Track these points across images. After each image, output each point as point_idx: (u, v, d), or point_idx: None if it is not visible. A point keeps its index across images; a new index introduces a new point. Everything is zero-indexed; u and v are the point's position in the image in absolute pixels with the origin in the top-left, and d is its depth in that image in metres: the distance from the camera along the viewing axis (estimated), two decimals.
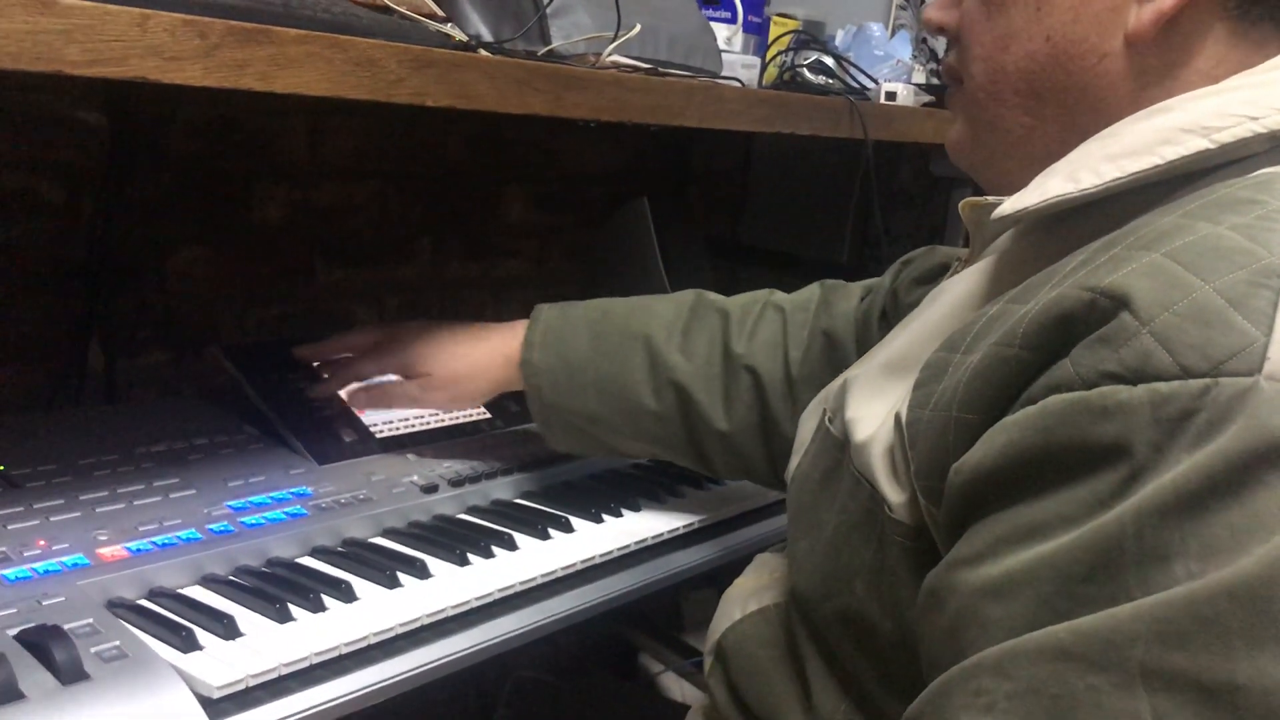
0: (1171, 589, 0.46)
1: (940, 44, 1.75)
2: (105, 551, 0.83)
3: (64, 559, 0.81)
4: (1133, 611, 0.46)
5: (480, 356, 1.08)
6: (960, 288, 0.73)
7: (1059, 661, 0.47)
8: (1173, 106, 0.62)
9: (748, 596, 0.84)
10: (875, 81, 1.55)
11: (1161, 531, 0.46)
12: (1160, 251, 0.52)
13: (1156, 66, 0.64)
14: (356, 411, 1.13)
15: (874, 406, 0.70)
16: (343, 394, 1.13)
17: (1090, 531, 0.48)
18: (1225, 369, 0.47)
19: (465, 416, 1.21)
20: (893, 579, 0.65)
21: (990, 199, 0.71)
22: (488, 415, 1.23)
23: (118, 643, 0.72)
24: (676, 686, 1.59)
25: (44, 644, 0.69)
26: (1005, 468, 0.53)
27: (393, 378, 1.10)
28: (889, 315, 1.01)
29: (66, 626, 0.72)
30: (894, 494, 0.65)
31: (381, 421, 1.13)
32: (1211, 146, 0.59)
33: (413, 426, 1.15)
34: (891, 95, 1.51)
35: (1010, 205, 0.65)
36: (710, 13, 1.49)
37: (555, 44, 1.15)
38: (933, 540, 0.62)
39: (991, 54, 0.69)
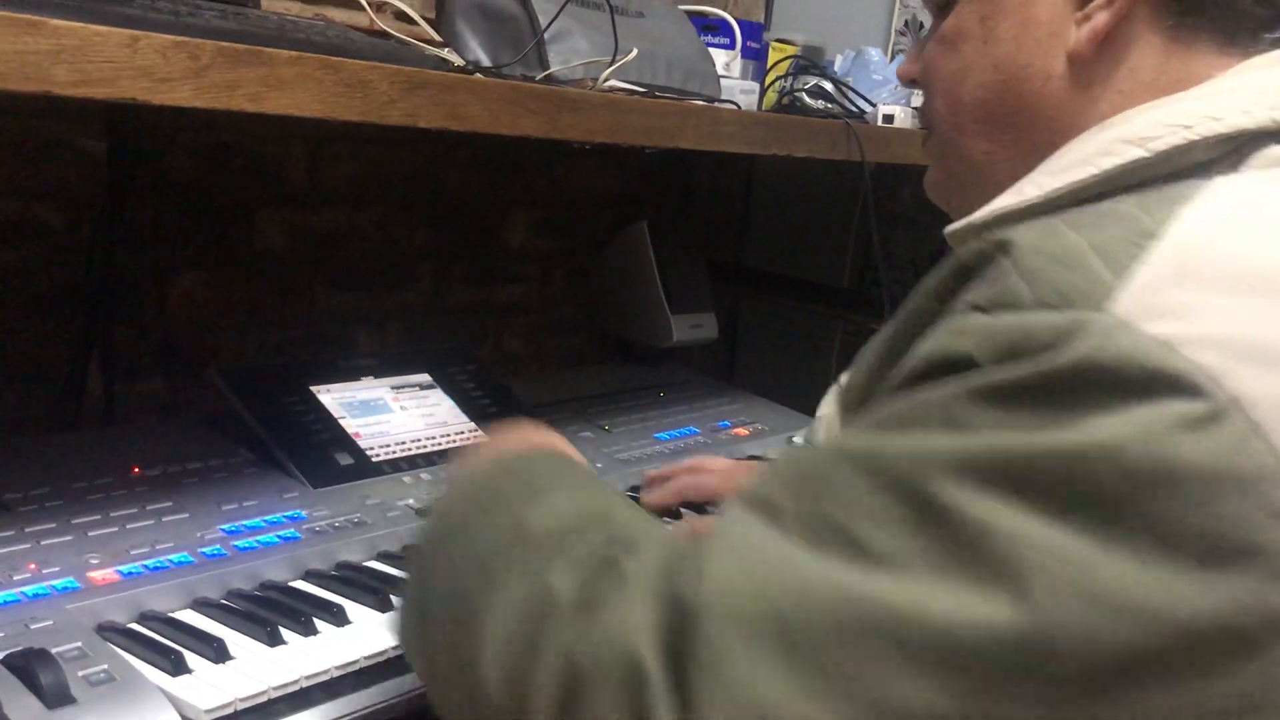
0: (963, 438, 0.51)
1: None
2: (96, 575, 0.83)
3: (54, 582, 0.81)
4: (908, 441, 0.52)
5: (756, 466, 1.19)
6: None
7: (828, 462, 0.54)
8: (1117, 122, 0.64)
9: None
10: (874, 105, 1.55)
11: (968, 408, 0.52)
12: (1058, 217, 0.57)
13: (1099, 82, 0.67)
14: (352, 435, 1.12)
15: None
16: None
17: (914, 401, 0.54)
18: (1073, 304, 0.51)
19: (462, 439, 1.20)
20: None
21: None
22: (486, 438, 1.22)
23: (106, 666, 0.72)
24: None
25: (30, 668, 0.69)
26: (885, 386, 0.59)
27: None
28: None
29: (54, 650, 0.72)
30: None
31: (377, 445, 1.13)
32: (1147, 155, 0.60)
33: (408, 450, 1.15)
34: (889, 118, 1.51)
35: (961, 221, 0.68)
36: (709, 38, 1.50)
37: (553, 69, 1.16)
38: None
39: (949, 89, 0.73)
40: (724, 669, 0.50)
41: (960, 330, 0.54)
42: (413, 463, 1.13)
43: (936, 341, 0.55)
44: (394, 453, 1.13)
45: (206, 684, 0.74)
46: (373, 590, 0.89)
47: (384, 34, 1.13)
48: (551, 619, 0.55)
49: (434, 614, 0.64)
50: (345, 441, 1.11)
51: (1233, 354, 0.50)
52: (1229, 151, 0.60)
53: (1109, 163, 0.61)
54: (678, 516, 1.14)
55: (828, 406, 0.83)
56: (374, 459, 1.11)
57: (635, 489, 1.20)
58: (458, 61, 1.08)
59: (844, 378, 0.78)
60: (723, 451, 1.35)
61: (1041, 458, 0.49)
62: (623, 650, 0.52)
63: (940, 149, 0.75)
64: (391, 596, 0.88)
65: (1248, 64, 0.65)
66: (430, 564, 0.67)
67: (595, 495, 0.66)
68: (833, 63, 1.71)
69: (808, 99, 1.53)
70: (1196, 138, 0.60)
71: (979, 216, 0.66)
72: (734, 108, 1.31)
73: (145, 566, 0.85)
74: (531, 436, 0.81)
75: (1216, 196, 0.57)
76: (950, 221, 0.73)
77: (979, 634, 0.48)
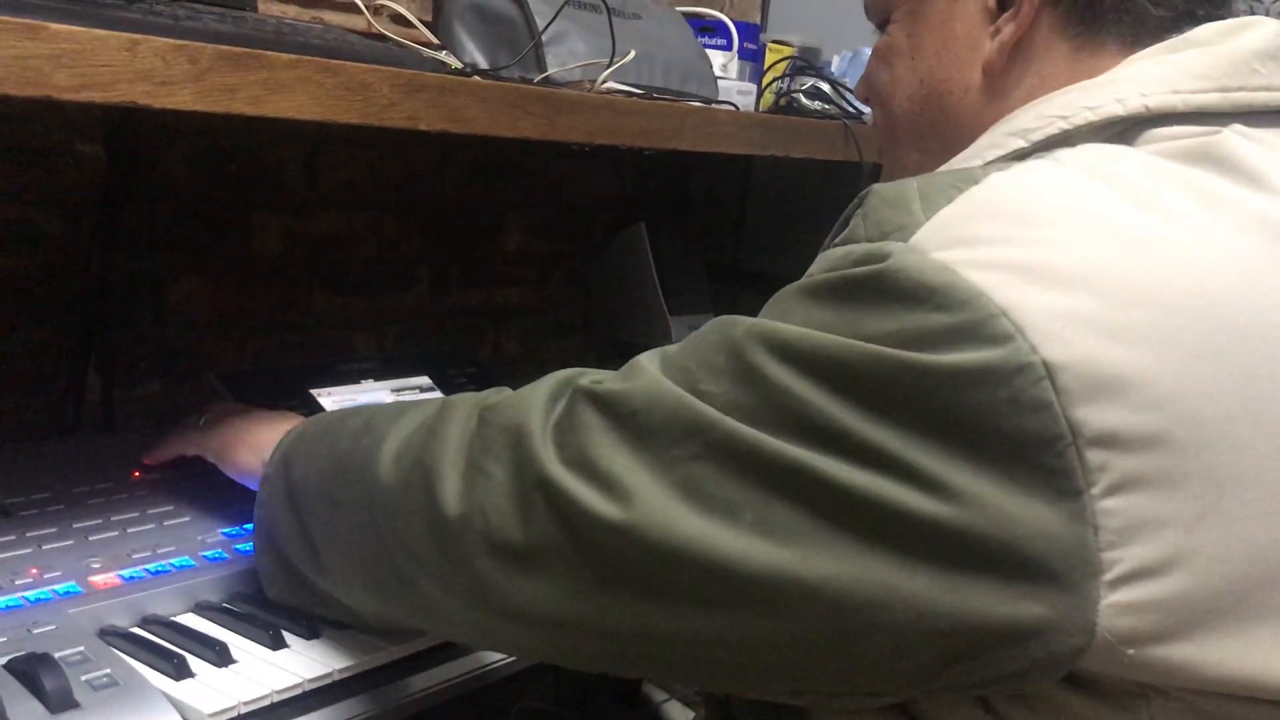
0: (769, 319, 0.61)
1: None
2: (98, 579, 0.83)
3: (56, 587, 0.81)
4: (751, 320, 0.62)
5: None
6: None
7: (707, 329, 0.64)
8: (1009, 119, 0.69)
9: None
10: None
11: (789, 302, 0.62)
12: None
13: (1012, 90, 0.72)
14: None
15: None
16: None
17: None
18: (888, 237, 0.59)
19: None
20: None
21: None
22: None
23: (109, 670, 0.72)
24: (680, 714, 1.58)
25: (33, 672, 0.68)
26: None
27: None
28: None
29: (57, 655, 0.72)
30: None
31: None
32: (1026, 145, 0.66)
33: None
34: None
35: None
36: (706, 40, 1.50)
37: (551, 71, 1.16)
38: None
39: (885, 103, 0.80)
40: (578, 423, 0.63)
41: (817, 260, 0.64)
42: None
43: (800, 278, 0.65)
44: None
45: (209, 687, 0.74)
46: None
47: (381, 37, 1.13)
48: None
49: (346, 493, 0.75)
50: None
51: (1009, 273, 0.56)
52: (1109, 138, 0.64)
53: (994, 154, 0.67)
54: None
55: None
56: None
57: None
58: (455, 64, 1.09)
59: None
60: None
61: (824, 343, 0.58)
62: (515, 423, 0.66)
63: (885, 159, 0.83)
64: None
65: (1134, 57, 0.68)
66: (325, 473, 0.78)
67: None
68: (829, 63, 1.72)
69: (805, 100, 1.54)
70: (1071, 127, 0.65)
71: None
72: (731, 109, 1.31)
73: (147, 570, 0.85)
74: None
75: (1053, 159, 0.63)
76: None
77: (757, 450, 0.58)
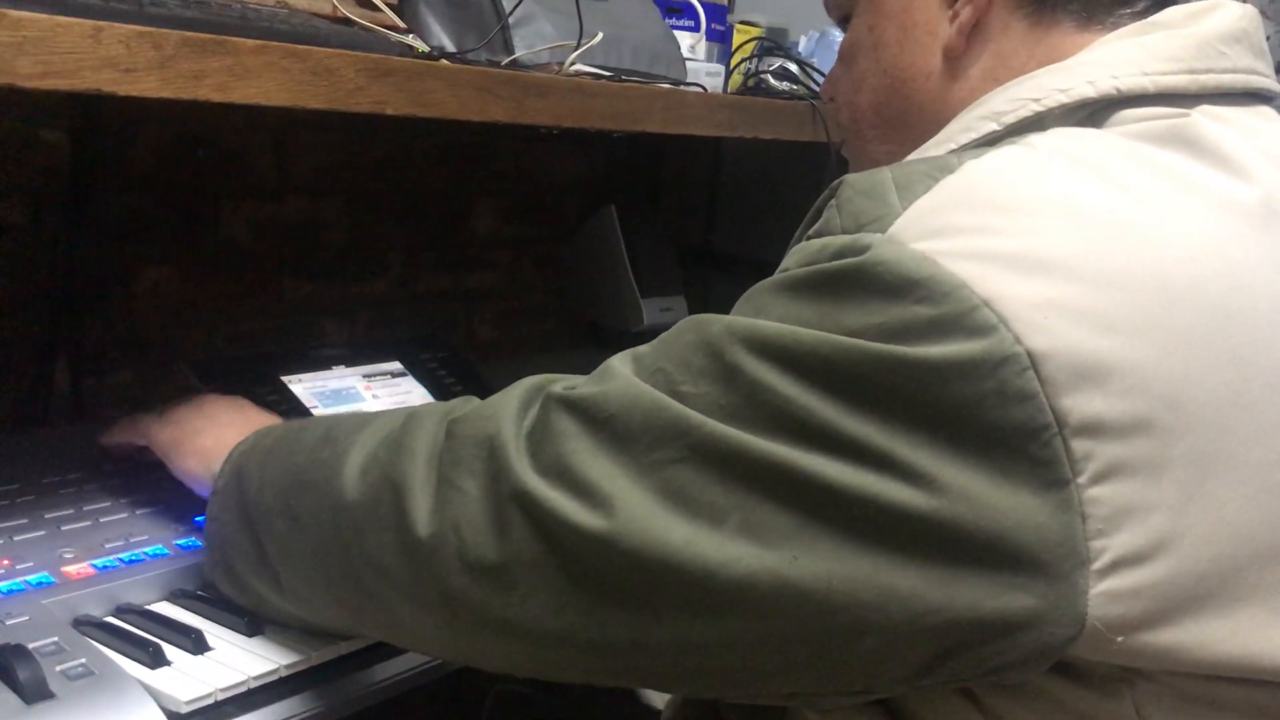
0: (747, 316, 0.61)
1: None
2: (71, 569, 0.82)
3: (28, 578, 0.80)
4: (727, 318, 0.62)
5: None
6: None
7: (681, 328, 0.64)
8: (981, 102, 0.69)
9: None
10: None
11: (766, 296, 0.61)
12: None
13: (973, 72, 0.72)
14: None
15: None
16: None
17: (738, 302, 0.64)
18: (865, 228, 0.59)
19: None
20: None
21: None
22: None
23: (84, 660, 0.72)
24: (659, 697, 1.59)
25: (7, 663, 0.68)
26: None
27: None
28: None
29: (31, 645, 0.71)
30: None
31: None
32: (999, 128, 0.66)
33: None
34: None
35: None
36: (673, 21, 1.50)
37: (518, 53, 1.15)
38: None
39: (850, 98, 0.80)
40: (554, 431, 0.63)
41: (790, 253, 0.63)
42: None
43: (779, 267, 0.64)
44: None
45: (186, 675, 0.74)
46: None
47: (347, 21, 1.12)
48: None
49: (306, 506, 0.73)
50: None
51: (990, 263, 0.55)
52: (1080, 120, 0.65)
53: (966, 138, 0.67)
54: None
55: None
56: None
57: None
58: (422, 48, 1.08)
59: None
60: None
61: (804, 338, 0.57)
62: (486, 434, 0.65)
63: (852, 155, 0.82)
64: None
65: (1106, 38, 0.68)
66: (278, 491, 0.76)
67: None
68: (797, 44, 1.72)
69: (773, 80, 1.54)
70: (1043, 109, 0.65)
71: None
72: (700, 90, 1.32)
73: (120, 560, 0.85)
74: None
75: (1025, 144, 0.63)
76: None
77: (743, 452, 0.57)
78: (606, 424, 0.61)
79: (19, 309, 1.17)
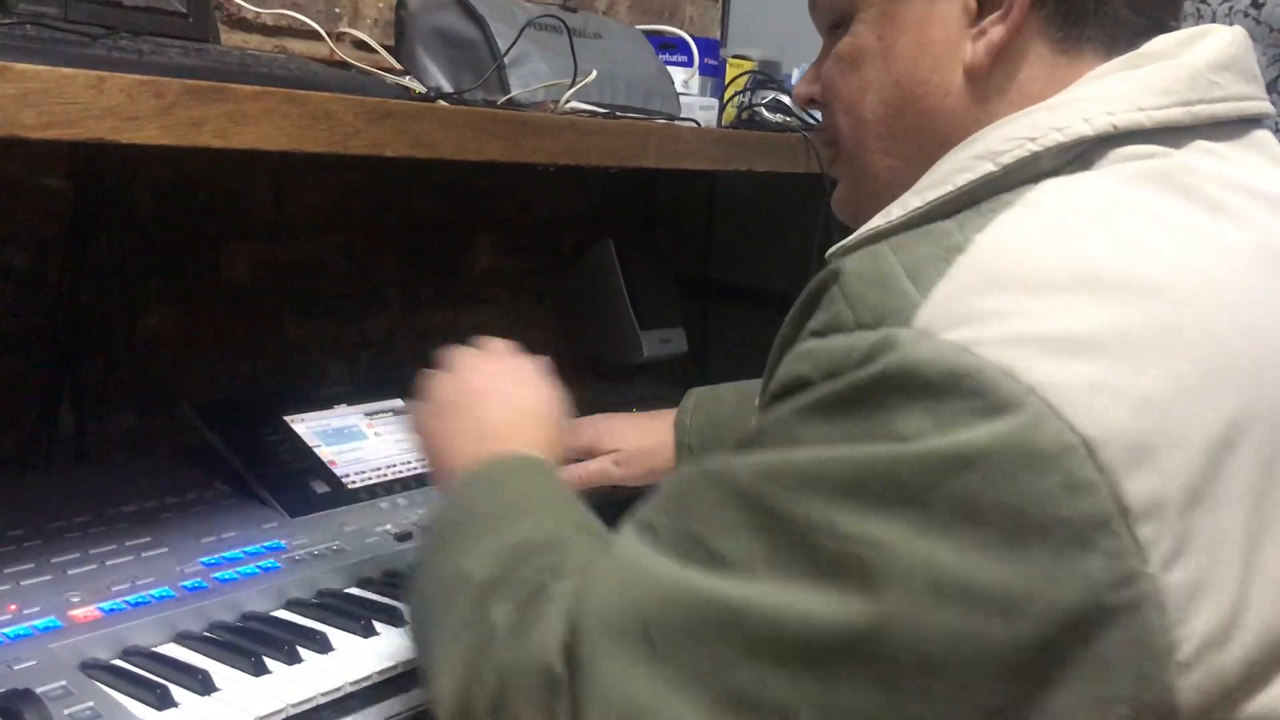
0: (786, 454, 0.57)
1: None
2: (78, 613, 0.83)
3: (35, 622, 0.81)
4: (753, 457, 0.58)
5: (662, 431, 1.14)
6: None
7: (692, 481, 0.60)
8: (979, 137, 0.66)
9: None
10: None
11: (797, 423, 0.57)
12: (888, 241, 0.61)
13: (994, 95, 0.69)
14: (328, 463, 1.13)
15: None
16: None
17: (762, 421, 0.60)
18: (886, 322, 0.56)
19: None
20: None
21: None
22: None
23: (91, 704, 0.72)
24: None
25: (16, 709, 0.69)
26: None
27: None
28: None
29: (39, 690, 0.72)
30: None
31: (353, 472, 1.13)
32: (995, 170, 0.63)
33: (384, 476, 1.15)
34: None
35: (839, 244, 0.69)
36: (667, 57, 1.52)
37: (514, 93, 1.17)
38: None
39: (851, 106, 0.74)
40: (599, 672, 0.58)
41: (800, 355, 0.59)
42: (389, 488, 1.14)
43: (785, 368, 0.60)
44: (370, 479, 1.14)
45: (193, 717, 0.75)
46: (355, 617, 0.89)
47: (344, 64, 1.14)
48: (491, 645, 0.64)
49: (415, 623, 0.74)
50: (321, 470, 1.12)
51: (1026, 348, 0.53)
52: (1073, 159, 0.63)
53: (963, 179, 0.64)
54: None
55: None
56: (350, 486, 1.11)
57: None
58: (419, 89, 1.10)
59: None
60: None
61: (855, 461, 0.53)
62: (540, 663, 0.61)
63: (847, 167, 0.78)
64: (374, 622, 0.88)
65: (1096, 71, 0.67)
66: (419, 578, 0.75)
67: (544, 520, 0.72)
68: (789, 76, 1.74)
69: (766, 113, 1.55)
70: (1040, 149, 0.63)
71: (853, 239, 0.68)
72: (694, 125, 1.33)
73: (127, 602, 0.85)
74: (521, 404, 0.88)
75: (1026, 205, 0.61)
76: None
77: (809, 625, 0.53)
78: (644, 637, 0.56)
79: (22, 352, 1.17)
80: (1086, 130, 0.63)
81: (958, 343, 0.54)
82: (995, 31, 0.68)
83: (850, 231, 0.78)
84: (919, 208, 0.65)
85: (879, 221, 0.67)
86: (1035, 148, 0.63)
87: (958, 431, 0.52)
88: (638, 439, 1.15)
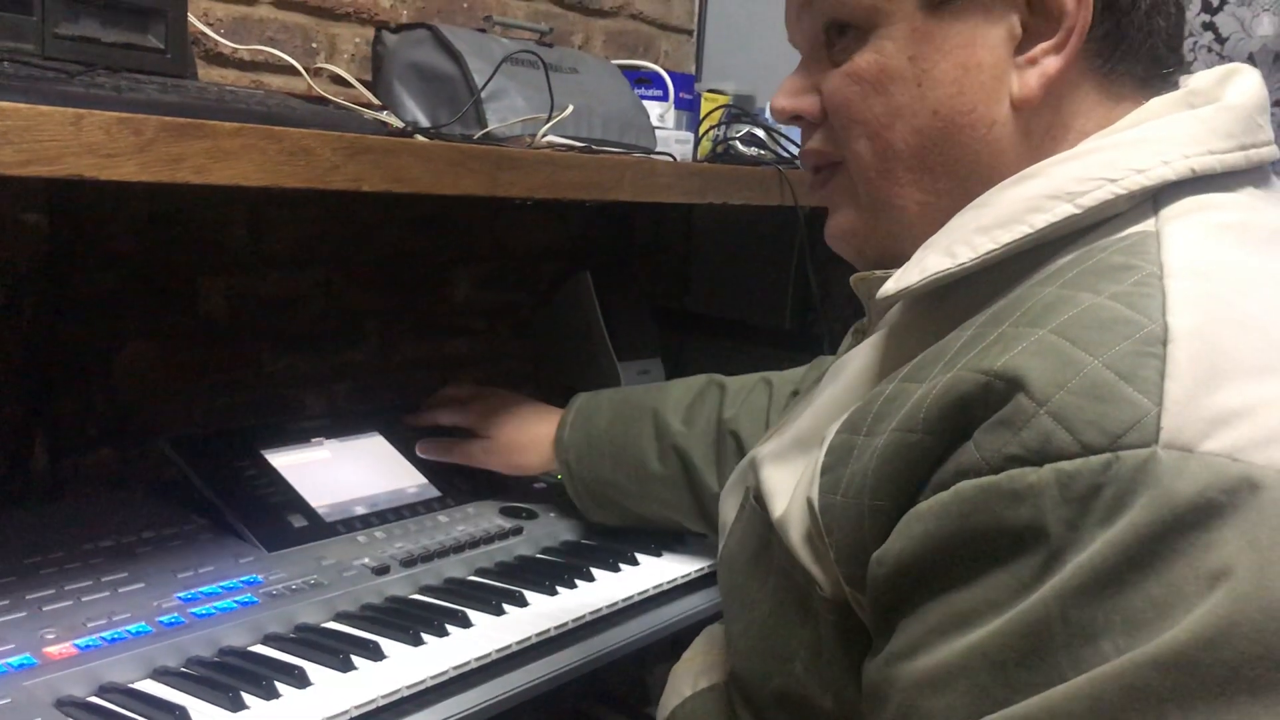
0: (1102, 666, 0.48)
1: None
2: (53, 650, 0.82)
3: (10, 660, 0.80)
4: (1066, 692, 0.48)
5: (540, 432, 1.21)
6: (857, 362, 0.73)
7: None
8: (1037, 173, 0.63)
9: (697, 674, 0.83)
10: None
11: (1085, 610, 0.48)
12: (1047, 328, 0.54)
13: (1041, 129, 0.66)
14: (305, 497, 1.12)
15: (785, 480, 0.71)
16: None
17: (1018, 616, 0.50)
18: (1123, 442, 0.49)
19: (415, 496, 1.21)
20: (830, 657, 0.65)
21: (878, 273, 0.71)
22: (438, 493, 1.23)
23: None
24: None
25: None
26: (926, 557, 0.55)
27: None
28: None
29: None
30: (821, 575, 0.65)
31: (330, 506, 1.13)
32: (1077, 211, 0.60)
33: (362, 509, 1.15)
34: None
35: (893, 284, 0.66)
36: (643, 91, 1.53)
37: (491, 127, 1.18)
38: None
39: (877, 132, 0.68)
40: None
41: (1014, 495, 0.51)
42: (366, 522, 1.13)
43: (987, 511, 0.52)
44: (347, 513, 1.14)
45: None
46: (333, 651, 0.89)
47: (322, 99, 1.14)
48: None
49: None
50: (298, 504, 1.11)
51: None
52: (1142, 200, 0.61)
53: (1041, 220, 0.61)
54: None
55: (733, 499, 0.82)
56: (328, 520, 1.11)
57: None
58: (396, 123, 1.10)
59: (769, 442, 0.77)
60: None
61: (1186, 647, 0.46)
62: None
63: (860, 194, 0.71)
64: (352, 657, 0.88)
65: (1148, 108, 0.65)
66: None
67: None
68: (763, 110, 1.76)
69: (741, 146, 1.57)
70: (1123, 191, 0.60)
71: (914, 282, 0.64)
72: (669, 159, 1.34)
73: (103, 639, 0.85)
74: None
75: (1185, 275, 0.55)
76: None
77: None
78: None
79: None
80: (1169, 175, 0.60)
81: (1223, 452, 0.48)
82: (1050, 62, 0.64)
83: (845, 263, 0.75)
84: (993, 250, 0.61)
85: (944, 263, 0.63)
86: (1118, 190, 0.60)
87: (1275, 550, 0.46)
88: (513, 432, 1.22)
